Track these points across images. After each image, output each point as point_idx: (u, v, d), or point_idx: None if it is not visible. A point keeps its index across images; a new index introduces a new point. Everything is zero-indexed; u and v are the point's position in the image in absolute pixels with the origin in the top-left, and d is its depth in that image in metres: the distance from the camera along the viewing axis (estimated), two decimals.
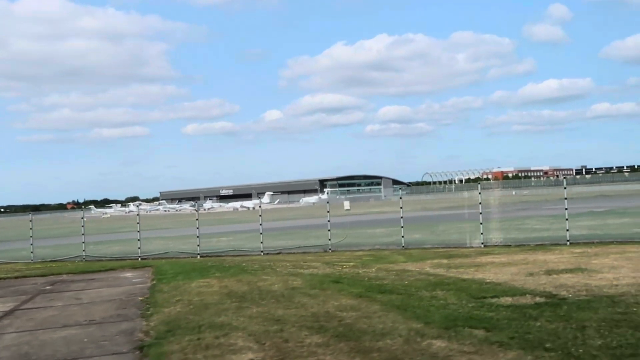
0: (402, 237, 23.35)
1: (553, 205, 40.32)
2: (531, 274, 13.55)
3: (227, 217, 75.74)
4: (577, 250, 18.53)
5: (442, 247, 22.40)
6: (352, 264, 18.07)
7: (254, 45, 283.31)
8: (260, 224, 24.86)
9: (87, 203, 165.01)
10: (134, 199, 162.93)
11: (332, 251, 23.58)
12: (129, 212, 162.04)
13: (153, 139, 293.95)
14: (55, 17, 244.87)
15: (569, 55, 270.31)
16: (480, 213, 23.10)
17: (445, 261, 17.38)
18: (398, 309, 10.13)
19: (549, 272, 13.70)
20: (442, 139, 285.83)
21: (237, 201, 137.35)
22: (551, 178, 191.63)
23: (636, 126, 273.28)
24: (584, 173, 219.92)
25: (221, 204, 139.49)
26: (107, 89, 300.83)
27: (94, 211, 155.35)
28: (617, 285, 11.53)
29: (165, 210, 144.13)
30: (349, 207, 52.93)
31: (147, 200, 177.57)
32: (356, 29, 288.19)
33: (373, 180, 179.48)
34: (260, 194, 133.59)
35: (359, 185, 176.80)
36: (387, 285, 13.01)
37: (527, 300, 10.46)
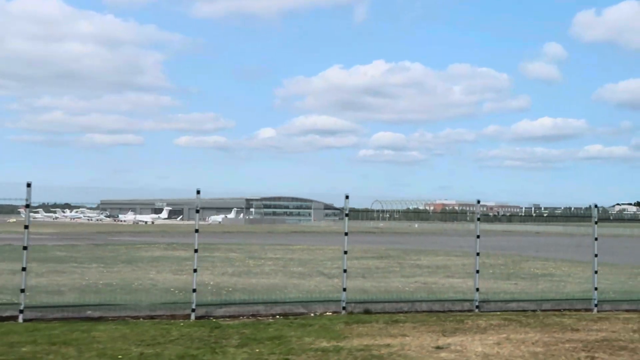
0: None
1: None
2: None
3: None
4: None
5: None
6: None
7: (250, 61, 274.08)
8: None
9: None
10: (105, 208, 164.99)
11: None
12: (55, 218, 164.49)
13: (145, 148, 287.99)
14: (53, 18, 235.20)
15: (563, 94, 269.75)
16: None
17: None
18: None
19: None
20: (434, 169, 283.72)
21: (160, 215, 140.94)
22: (490, 214, 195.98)
23: (626, 169, 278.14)
24: (532, 212, 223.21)
25: (136, 216, 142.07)
26: (101, 95, 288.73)
27: (24, 214, 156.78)
28: None
29: (88, 219, 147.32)
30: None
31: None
32: (353, 54, 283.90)
33: (302, 204, 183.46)
34: (194, 210, 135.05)
35: (287, 207, 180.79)
36: None
37: None
